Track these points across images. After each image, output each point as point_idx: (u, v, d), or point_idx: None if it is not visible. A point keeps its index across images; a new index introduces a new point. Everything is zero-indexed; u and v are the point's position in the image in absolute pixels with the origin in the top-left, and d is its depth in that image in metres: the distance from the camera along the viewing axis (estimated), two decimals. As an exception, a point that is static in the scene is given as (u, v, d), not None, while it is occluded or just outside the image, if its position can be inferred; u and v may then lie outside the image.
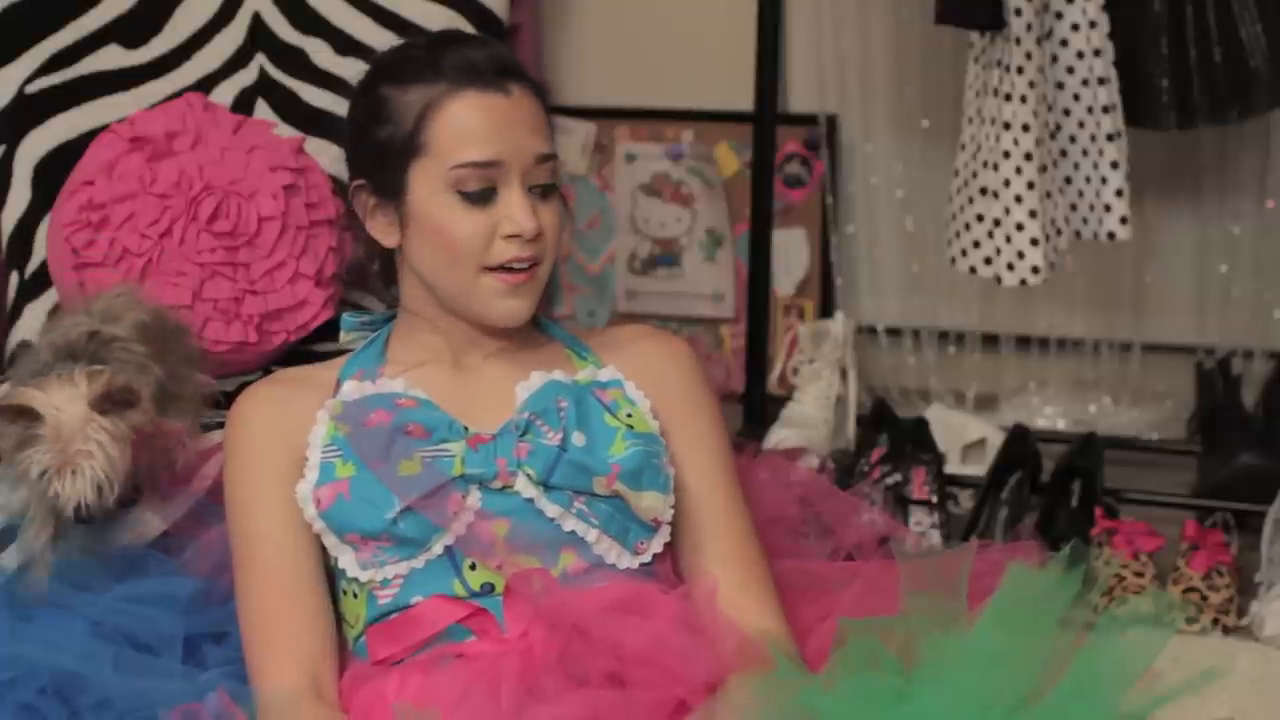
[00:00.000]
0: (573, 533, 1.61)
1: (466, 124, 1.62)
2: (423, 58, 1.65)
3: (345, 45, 2.34)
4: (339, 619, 1.67)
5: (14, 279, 2.27)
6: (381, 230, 1.69)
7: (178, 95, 2.23)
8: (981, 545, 1.64)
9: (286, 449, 1.66)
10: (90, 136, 2.15)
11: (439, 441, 1.62)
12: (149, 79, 2.32)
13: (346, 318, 1.79)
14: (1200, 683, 1.42)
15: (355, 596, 1.64)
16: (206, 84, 2.32)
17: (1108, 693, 1.41)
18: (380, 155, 1.65)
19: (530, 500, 1.61)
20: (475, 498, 1.61)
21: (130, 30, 2.33)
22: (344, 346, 1.81)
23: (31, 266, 2.25)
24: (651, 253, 3.04)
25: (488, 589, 1.60)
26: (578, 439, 1.61)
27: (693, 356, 1.77)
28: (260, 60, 2.35)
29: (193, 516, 1.80)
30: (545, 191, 1.66)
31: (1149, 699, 1.41)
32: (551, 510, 1.61)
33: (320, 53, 2.35)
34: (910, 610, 1.52)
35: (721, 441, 1.74)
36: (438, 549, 1.60)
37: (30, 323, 2.23)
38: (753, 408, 2.79)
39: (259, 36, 2.36)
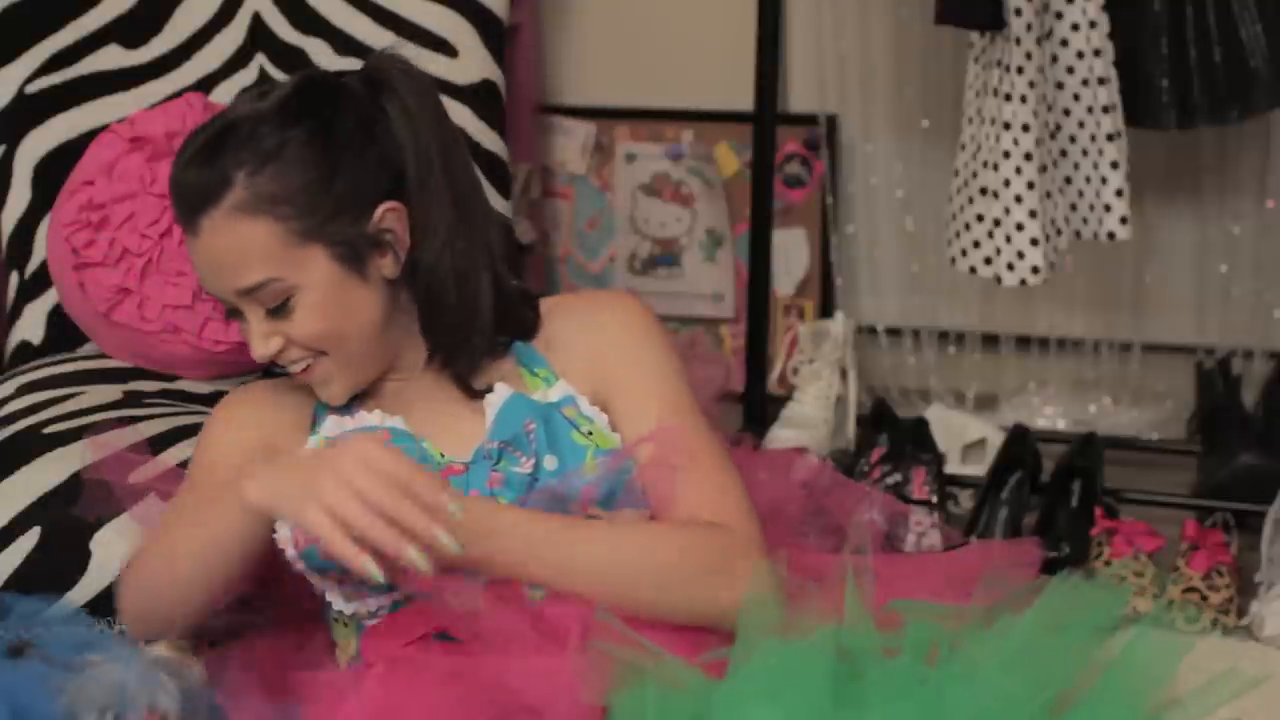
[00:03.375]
0: None
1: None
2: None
3: (345, 45, 2.34)
4: (332, 646, 1.69)
5: (14, 279, 2.27)
6: None
7: (178, 95, 2.23)
8: (981, 543, 1.64)
9: (260, 438, 1.69)
10: (90, 136, 2.15)
11: None
12: (149, 79, 2.32)
13: None
14: (1245, 687, 1.41)
15: (345, 625, 1.66)
16: (206, 84, 2.32)
17: (1134, 698, 1.40)
18: None
19: None
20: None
21: (130, 30, 2.33)
22: None
23: (31, 266, 2.25)
24: (651, 253, 3.04)
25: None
26: (549, 463, 1.60)
27: (634, 313, 1.71)
28: (260, 60, 2.35)
29: None
30: (275, 308, 1.60)
31: (1185, 710, 1.40)
32: None
33: (320, 53, 2.35)
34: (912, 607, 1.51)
35: (669, 390, 1.67)
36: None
37: (30, 322, 2.23)
38: (753, 408, 2.79)
39: (259, 36, 2.36)
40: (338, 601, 1.64)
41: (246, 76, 2.34)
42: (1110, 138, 2.40)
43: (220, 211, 1.57)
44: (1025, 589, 1.54)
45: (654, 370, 1.68)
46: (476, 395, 1.67)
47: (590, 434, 1.64)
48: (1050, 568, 1.68)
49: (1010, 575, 1.57)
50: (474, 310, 1.67)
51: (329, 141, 1.60)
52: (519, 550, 1.51)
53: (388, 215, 1.62)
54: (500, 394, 1.65)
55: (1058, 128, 2.43)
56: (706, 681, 1.41)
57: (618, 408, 1.67)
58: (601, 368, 1.68)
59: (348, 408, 1.70)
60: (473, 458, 1.63)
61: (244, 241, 1.58)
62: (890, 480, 2.59)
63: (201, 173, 1.58)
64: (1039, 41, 2.35)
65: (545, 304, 1.75)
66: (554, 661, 1.45)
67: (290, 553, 1.63)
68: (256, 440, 1.69)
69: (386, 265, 1.63)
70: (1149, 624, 1.48)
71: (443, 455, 1.64)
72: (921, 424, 2.73)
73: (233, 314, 1.64)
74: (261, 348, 1.62)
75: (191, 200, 1.59)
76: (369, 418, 1.68)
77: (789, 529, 1.82)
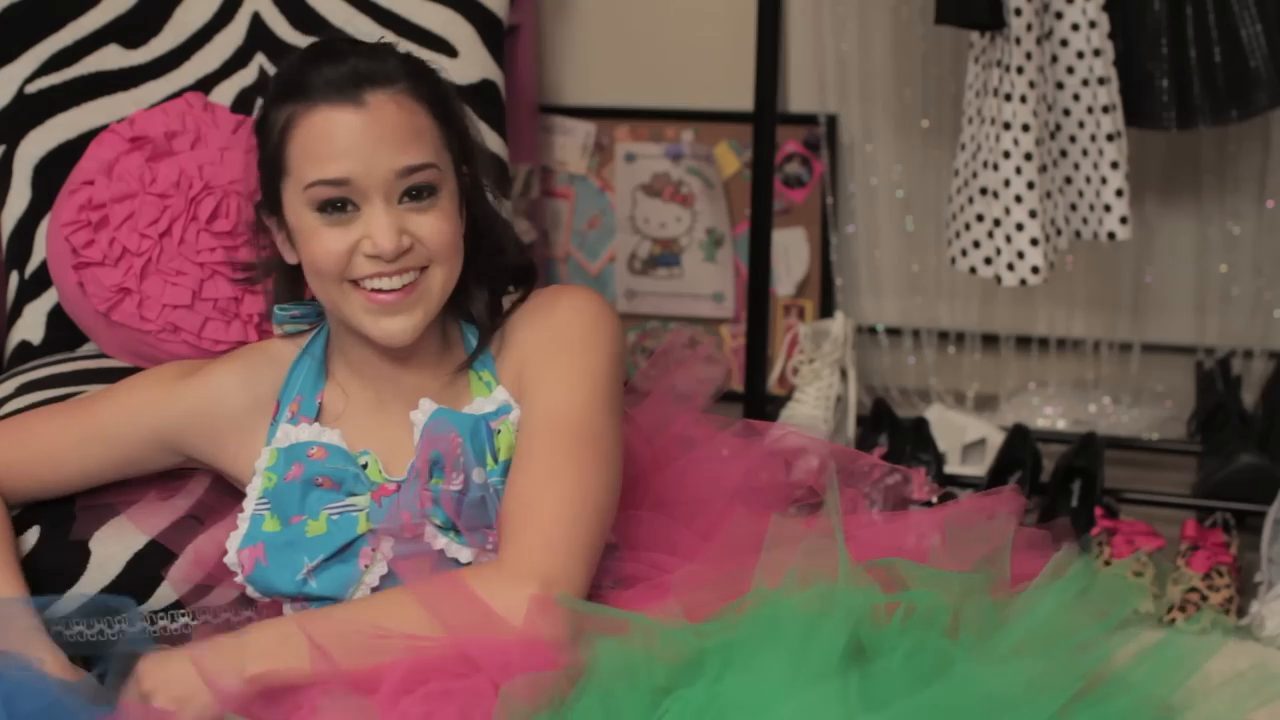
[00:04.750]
0: None
1: (316, 142, 1.57)
2: (291, 73, 1.62)
3: (345, 45, 2.34)
4: None
5: (14, 279, 2.27)
6: (283, 247, 1.68)
7: (178, 95, 2.23)
8: (959, 499, 1.62)
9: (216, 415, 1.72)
10: (90, 136, 2.15)
11: (346, 495, 1.64)
12: (149, 79, 2.32)
13: (278, 312, 1.77)
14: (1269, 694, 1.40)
15: None
16: (206, 84, 2.32)
17: (1146, 699, 1.39)
18: (264, 174, 1.65)
19: (441, 550, 1.61)
20: (388, 547, 1.63)
21: (130, 30, 2.33)
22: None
23: (31, 266, 2.25)
24: (651, 253, 3.04)
25: None
26: (478, 476, 1.60)
27: (577, 313, 1.67)
28: (260, 60, 2.35)
29: (179, 529, 1.80)
30: (422, 196, 1.59)
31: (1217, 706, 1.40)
32: (465, 555, 1.61)
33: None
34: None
35: (569, 402, 1.61)
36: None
37: (30, 322, 2.23)
38: (753, 408, 2.79)
39: (259, 36, 2.36)
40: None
41: (246, 76, 2.34)
42: (1110, 138, 2.40)
43: (394, 89, 1.58)
44: (1006, 543, 1.54)
45: (559, 379, 1.63)
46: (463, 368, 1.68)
47: (499, 449, 1.63)
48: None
49: (991, 527, 1.57)
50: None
51: (446, 97, 1.65)
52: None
53: (466, 177, 1.66)
54: (424, 410, 1.64)
55: (1058, 128, 2.43)
56: (705, 641, 1.41)
57: (523, 410, 1.64)
58: (525, 367, 1.66)
59: (295, 418, 1.70)
60: (405, 478, 1.63)
61: (415, 121, 1.59)
62: (890, 480, 2.59)
63: (367, 58, 1.60)
64: (1039, 41, 2.35)
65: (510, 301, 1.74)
66: (512, 635, 1.46)
67: (239, 578, 1.66)
68: (208, 417, 1.72)
69: (462, 222, 1.65)
70: (1172, 631, 1.48)
71: (381, 473, 1.65)
72: (921, 424, 2.73)
73: (338, 209, 1.57)
74: (394, 239, 1.57)
75: (358, 75, 1.58)
76: (310, 429, 1.68)
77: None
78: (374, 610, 1.51)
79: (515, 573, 1.51)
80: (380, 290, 1.59)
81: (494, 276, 1.71)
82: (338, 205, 1.58)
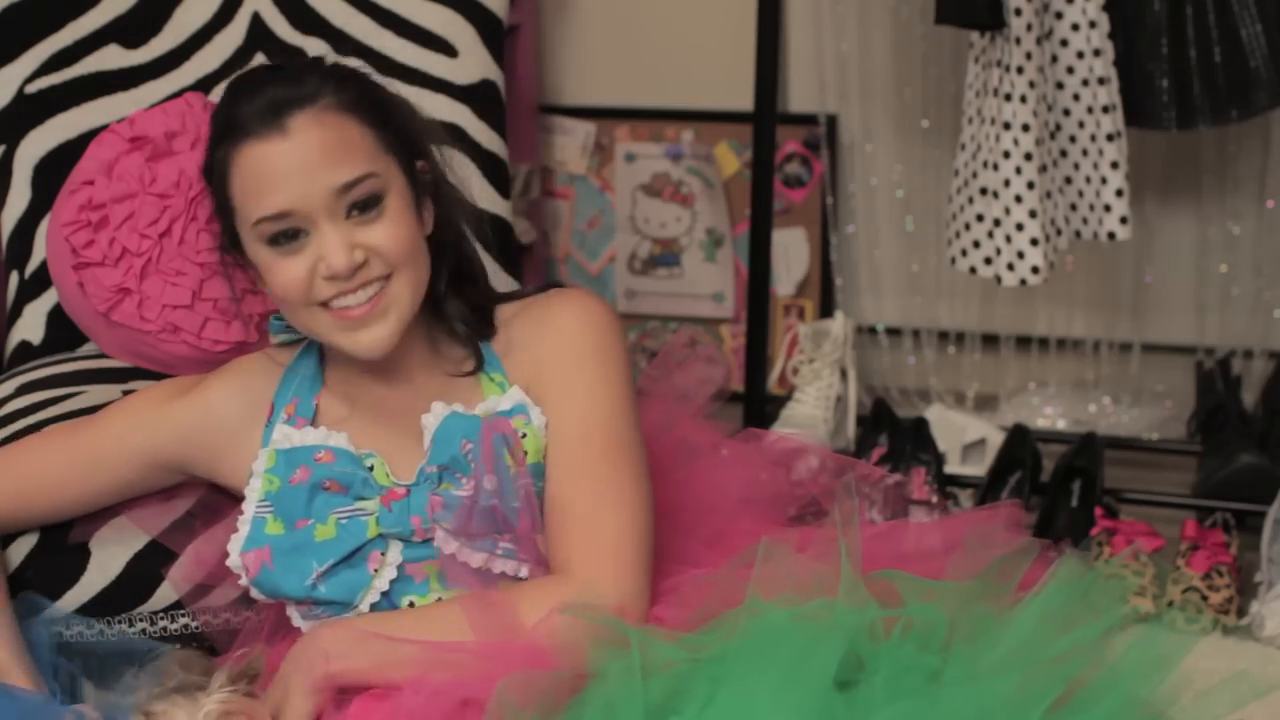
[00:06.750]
0: (503, 573, 1.61)
1: (251, 178, 1.57)
2: (220, 113, 1.61)
3: (345, 45, 2.34)
4: None
5: (14, 279, 2.27)
6: (257, 281, 1.67)
7: (178, 95, 2.23)
8: (962, 511, 1.62)
9: (208, 430, 1.72)
10: (90, 136, 2.15)
11: (355, 499, 1.63)
12: (149, 79, 2.32)
13: (274, 320, 1.77)
14: (1254, 694, 1.40)
15: None
16: (206, 84, 2.32)
17: (1133, 699, 1.39)
18: (219, 218, 1.65)
19: (451, 555, 1.61)
20: (397, 551, 1.63)
21: (130, 30, 2.33)
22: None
23: (31, 266, 2.25)
24: (651, 253, 3.04)
25: None
26: (489, 483, 1.60)
27: (587, 320, 1.66)
28: (260, 60, 2.35)
29: (180, 528, 1.80)
30: (368, 207, 1.57)
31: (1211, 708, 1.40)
32: (476, 560, 1.61)
33: (320, 53, 2.34)
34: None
35: (593, 414, 1.62)
36: (364, 606, 1.63)
37: (30, 322, 2.23)
38: (753, 408, 2.79)
39: (259, 36, 2.36)
40: (296, 619, 1.66)
41: (246, 76, 2.34)
42: (1110, 138, 2.40)
43: (315, 109, 1.56)
44: (1009, 555, 1.54)
45: (586, 389, 1.63)
46: (473, 367, 1.68)
47: (526, 452, 1.62)
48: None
49: (994, 540, 1.57)
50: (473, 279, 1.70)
51: (376, 98, 1.63)
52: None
53: (424, 172, 1.64)
54: (437, 414, 1.64)
55: (1058, 128, 2.43)
56: (698, 655, 1.42)
57: (548, 418, 1.64)
58: (541, 372, 1.66)
59: (305, 405, 1.70)
60: (415, 480, 1.63)
61: (344, 134, 1.57)
62: (890, 480, 2.59)
63: (285, 84, 1.57)
64: (1039, 41, 2.35)
65: (511, 308, 1.72)
66: (522, 638, 1.48)
67: (243, 580, 1.66)
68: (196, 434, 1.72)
69: (426, 219, 1.65)
70: (1150, 625, 1.48)
71: (388, 476, 1.65)
72: (921, 424, 2.73)
73: (288, 239, 1.57)
74: (346, 257, 1.56)
75: (277, 103, 1.56)
76: (315, 433, 1.68)
77: (785, 523, 1.80)
78: (426, 624, 1.54)
79: (590, 591, 1.52)
80: (347, 307, 1.59)
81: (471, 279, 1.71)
82: (288, 235, 1.58)
